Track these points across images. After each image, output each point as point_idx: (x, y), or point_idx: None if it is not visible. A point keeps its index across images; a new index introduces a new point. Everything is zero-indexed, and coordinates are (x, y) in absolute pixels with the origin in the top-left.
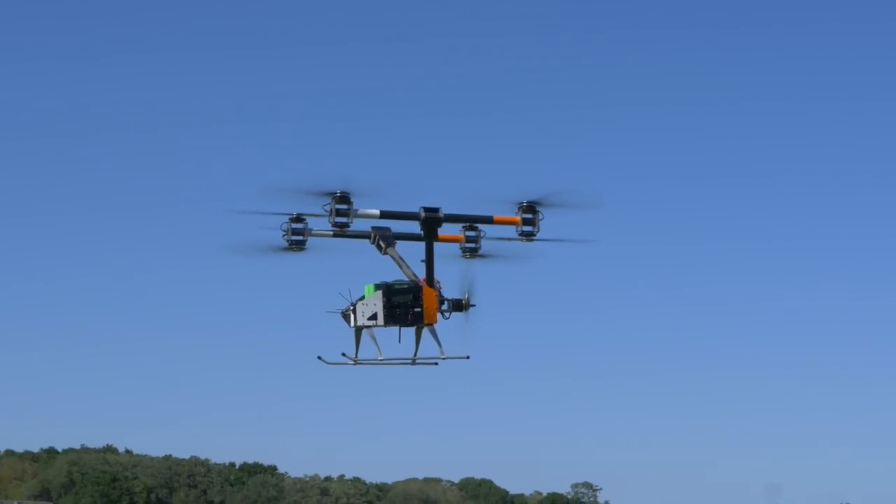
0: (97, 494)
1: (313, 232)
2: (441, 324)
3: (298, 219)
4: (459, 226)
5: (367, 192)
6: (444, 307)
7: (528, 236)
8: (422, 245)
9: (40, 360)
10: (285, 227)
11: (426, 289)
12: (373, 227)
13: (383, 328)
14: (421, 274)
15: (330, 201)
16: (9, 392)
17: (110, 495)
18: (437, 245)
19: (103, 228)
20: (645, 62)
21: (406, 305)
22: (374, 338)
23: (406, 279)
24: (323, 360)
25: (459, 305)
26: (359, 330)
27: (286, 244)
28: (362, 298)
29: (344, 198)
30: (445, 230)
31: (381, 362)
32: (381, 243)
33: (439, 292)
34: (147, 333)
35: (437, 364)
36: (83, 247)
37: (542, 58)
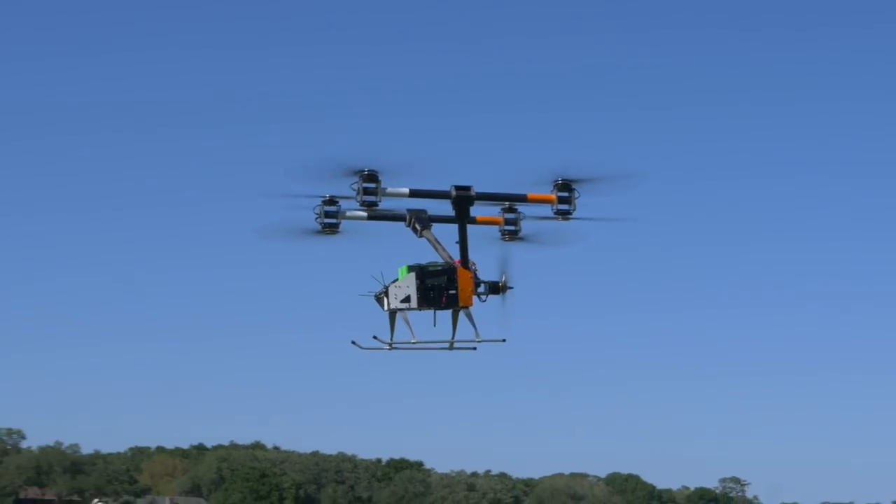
0: (247, 490)
1: (346, 214)
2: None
3: (331, 201)
4: (497, 208)
5: (395, 171)
6: (481, 289)
7: (564, 215)
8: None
9: (190, 360)
10: (318, 209)
11: (461, 270)
12: (408, 210)
13: (417, 311)
14: (457, 256)
15: (357, 180)
16: (160, 390)
17: (259, 491)
18: (475, 228)
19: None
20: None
21: (440, 288)
22: (407, 321)
23: (440, 261)
24: (357, 345)
25: (496, 288)
26: (392, 313)
27: (319, 227)
28: (395, 281)
29: (372, 176)
30: (483, 212)
31: (416, 346)
32: (417, 226)
33: (475, 274)
34: (293, 327)
35: (475, 349)
36: (204, 238)
37: (578, 26)
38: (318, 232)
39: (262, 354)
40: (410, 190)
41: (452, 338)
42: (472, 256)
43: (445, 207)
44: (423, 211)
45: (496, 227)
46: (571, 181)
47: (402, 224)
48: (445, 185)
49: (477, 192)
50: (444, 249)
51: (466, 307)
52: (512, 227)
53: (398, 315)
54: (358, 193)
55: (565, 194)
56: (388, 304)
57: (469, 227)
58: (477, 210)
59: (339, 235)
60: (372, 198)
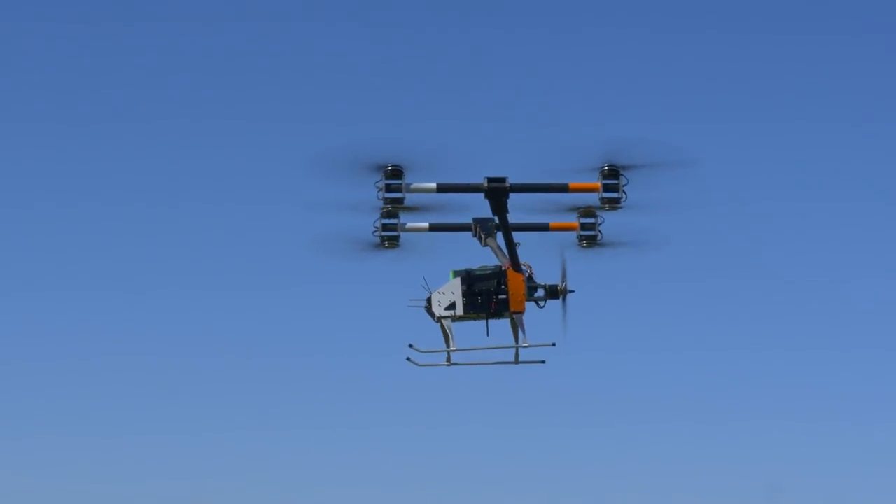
0: None
1: (406, 227)
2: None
3: (390, 213)
4: (574, 213)
5: (422, 165)
6: (539, 294)
7: (613, 203)
8: (530, 235)
9: None
10: (377, 222)
11: (511, 273)
12: (474, 219)
13: (464, 320)
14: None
15: (381, 177)
16: None
17: None
18: (551, 235)
19: None
20: None
21: (489, 293)
22: (449, 330)
23: (491, 265)
24: (412, 362)
25: (555, 292)
26: (441, 321)
27: (378, 240)
28: (441, 288)
29: (396, 172)
30: (558, 218)
31: (467, 361)
32: (482, 234)
33: (531, 278)
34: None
35: (544, 362)
36: None
37: None
38: (377, 246)
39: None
40: (438, 185)
41: (517, 350)
42: (542, 265)
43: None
44: (490, 219)
45: (574, 234)
46: (619, 167)
47: (463, 234)
48: (478, 178)
49: (512, 184)
50: (505, 257)
51: (518, 313)
52: (590, 232)
53: (443, 324)
54: (380, 191)
55: (612, 181)
56: (433, 311)
57: (543, 233)
58: (550, 216)
59: (398, 249)
60: (397, 194)
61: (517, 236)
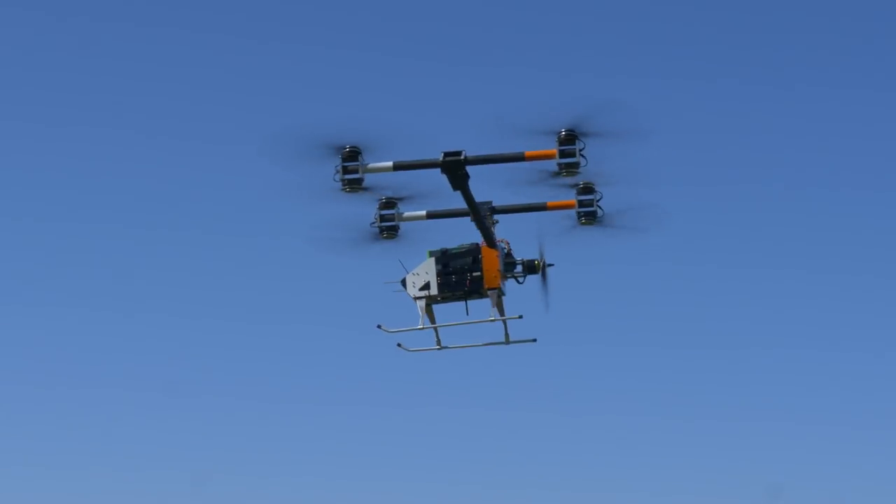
0: None
1: (404, 215)
2: None
3: (389, 203)
4: (573, 191)
5: (379, 144)
6: (517, 270)
7: (570, 168)
8: (528, 216)
9: None
10: (375, 214)
11: (485, 249)
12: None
13: (442, 302)
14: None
15: (339, 159)
16: None
17: None
18: (551, 214)
19: None
20: None
21: (463, 271)
22: (421, 311)
23: (467, 243)
24: (403, 348)
25: (532, 267)
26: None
27: (377, 231)
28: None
29: (353, 153)
30: (556, 196)
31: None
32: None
33: (508, 254)
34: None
35: (535, 340)
36: None
37: None
38: (376, 237)
39: None
40: (395, 163)
41: (506, 329)
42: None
43: (499, 194)
44: (488, 202)
45: (573, 212)
46: (576, 133)
47: (465, 220)
48: (436, 154)
49: (467, 157)
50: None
51: (494, 289)
52: (588, 209)
53: (417, 305)
54: (337, 172)
55: (569, 147)
56: (408, 293)
57: (542, 213)
58: (547, 194)
59: (396, 240)
60: (354, 175)
61: (517, 217)
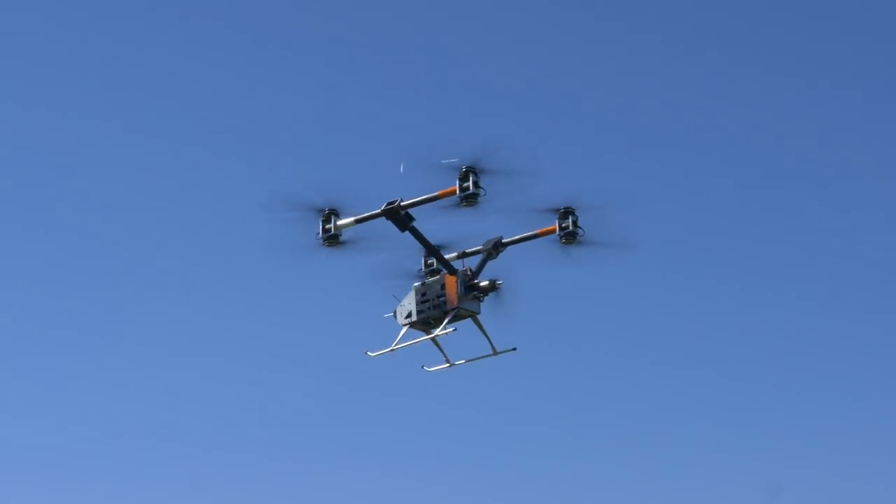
0: None
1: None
2: None
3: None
4: (555, 216)
5: (352, 201)
6: (477, 292)
7: (469, 200)
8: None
9: None
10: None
11: (447, 276)
12: (485, 242)
13: (427, 326)
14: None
15: (320, 222)
16: None
17: None
18: (541, 242)
19: None
20: None
21: (434, 296)
22: (400, 335)
23: (438, 275)
24: (426, 369)
25: (488, 287)
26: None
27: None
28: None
29: (332, 214)
30: (541, 224)
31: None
32: (492, 251)
33: (471, 278)
34: None
35: (515, 349)
36: None
37: None
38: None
39: None
40: (356, 218)
41: (490, 342)
42: (528, 268)
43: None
44: (499, 237)
45: (556, 237)
46: (475, 169)
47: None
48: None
49: (404, 203)
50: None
51: (454, 308)
52: (567, 230)
53: (401, 331)
54: (319, 233)
55: (465, 183)
56: (399, 322)
57: (529, 243)
58: (535, 222)
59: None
60: (332, 233)
61: (520, 248)
